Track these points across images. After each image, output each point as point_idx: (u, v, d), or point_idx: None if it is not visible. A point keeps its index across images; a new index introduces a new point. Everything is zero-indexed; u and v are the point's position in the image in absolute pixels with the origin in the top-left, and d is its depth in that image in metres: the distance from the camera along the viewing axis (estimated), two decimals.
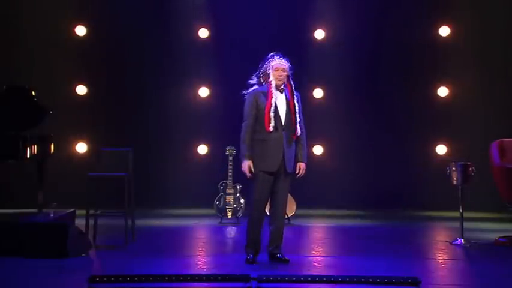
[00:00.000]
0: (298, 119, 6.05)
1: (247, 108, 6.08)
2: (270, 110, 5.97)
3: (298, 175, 6.17)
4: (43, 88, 9.20)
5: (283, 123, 6.01)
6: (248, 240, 6.13)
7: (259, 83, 6.19)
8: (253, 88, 6.18)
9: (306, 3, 10.71)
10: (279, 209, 6.14)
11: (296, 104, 6.07)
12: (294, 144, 6.09)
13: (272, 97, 5.99)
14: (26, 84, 8.17)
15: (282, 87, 6.08)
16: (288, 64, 6.13)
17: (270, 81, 6.06)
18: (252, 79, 6.23)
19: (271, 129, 5.95)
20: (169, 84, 10.64)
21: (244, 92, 6.22)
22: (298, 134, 6.05)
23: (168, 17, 10.68)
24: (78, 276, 5.55)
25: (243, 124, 6.08)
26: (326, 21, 10.76)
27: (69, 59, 10.53)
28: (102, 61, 10.58)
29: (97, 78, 10.65)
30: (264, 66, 6.16)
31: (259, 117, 6.01)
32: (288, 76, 6.10)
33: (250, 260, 6.03)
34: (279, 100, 6.04)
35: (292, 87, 6.11)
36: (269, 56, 6.19)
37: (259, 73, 6.20)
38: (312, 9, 10.70)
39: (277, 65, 6.07)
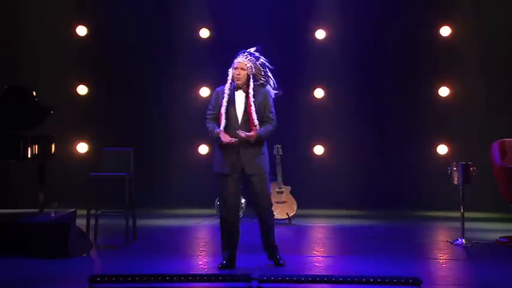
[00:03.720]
0: (256, 121, 5.83)
1: (209, 106, 6.05)
2: (225, 111, 5.87)
3: (242, 134, 5.80)
4: (44, 88, 9.23)
5: (239, 123, 5.87)
6: (221, 244, 6.07)
7: None
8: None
9: (307, 3, 10.70)
10: (260, 213, 5.98)
11: (253, 106, 5.85)
12: (255, 146, 5.87)
13: (224, 97, 5.90)
14: (27, 85, 8.18)
15: (244, 86, 5.92)
16: (251, 63, 5.91)
17: (230, 80, 5.94)
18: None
19: (221, 129, 5.84)
20: (170, 84, 10.64)
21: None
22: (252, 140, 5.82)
23: (169, 17, 10.67)
24: (79, 276, 5.55)
25: (205, 121, 6.02)
26: (327, 21, 10.75)
27: (70, 59, 10.54)
28: (103, 61, 10.58)
29: (98, 78, 10.66)
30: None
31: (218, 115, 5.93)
32: (249, 75, 5.91)
33: (225, 265, 5.92)
34: (238, 99, 5.92)
35: (250, 88, 5.89)
36: (237, 52, 6.03)
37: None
38: (313, 9, 10.69)
39: (236, 64, 5.91)
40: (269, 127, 5.93)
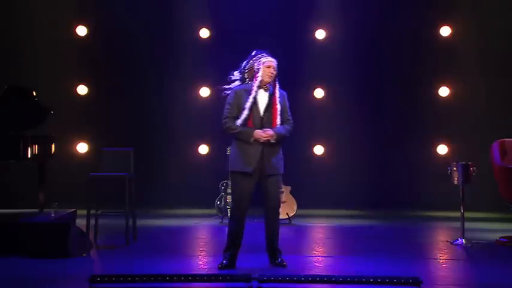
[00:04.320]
0: (278, 120, 5.88)
1: (228, 106, 5.93)
2: (250, 107, 5.82)
3: (264, 131, 5.83)
4: (44, 88, 9.24)
5: (262, 123, 5.86)
6: (227, 243, 5.99)
7: (243, 80, 6.02)
8: (235, 85, 6.04)
9: (307, 3, 10.71)
10: (269, 213, 5.95)
11: (279, 105, 5.89)
12: (276, 146, 5.89)
13: (253, 95, 5.84)
14: (27, 85, 8.18)
15: (268, 85, 5.92)
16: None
17: (257, 77, 5.88)
18: (232, 74, 6.05)
19: (247, 128, 5.80)
20: (171, 84, 10.65)
21: (225, 86, 6.11)
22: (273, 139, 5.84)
23: (169, 17, 10.69)
24: (79, 276, 5.55)
25: (223, 121, 5.92)
26: (327, 21, 10.76)
27: (70, 59, 10.56)
28: (103, 61, 10.59)
29: (98, 78, 10.67)
30: (251, 62, 5.97)
31: (240, 115, 5.85)
32: (276, 76, 5.94)
33: (225, 265, 5.88)
34: (261, 99, 5.89)
35: (277, 88, 5.94)
36: (257, 52, 6.01)
37: (243, 69, 6.02)
38: (313, 9, 10.70)
39: (270, 63, 5.90)
40: (287, 127, 5.99)
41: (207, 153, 10.77)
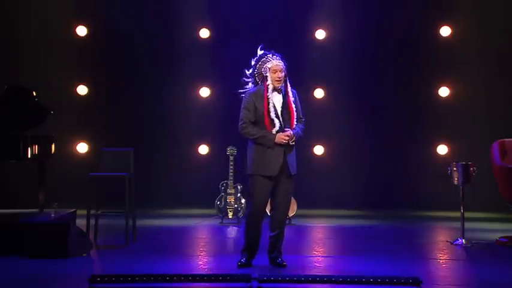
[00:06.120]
0: (295, 121, 5.89)
1: (245, 110, 5.88)
2: (269, 113, 5.80)
3: (285, 133, 5.81)
4: (44, 88, 9.24)
5: (282, 125, 5.84)
6: (245, 244, 6.02)
7: (255, 83, 6.00)
8: (249, 87, 6.01)
9: (307, 3, 10.71)
10: (280, 214, 5.96)
11: (293, 105, 5.90)
12: (294, 146, 5.93)
13: (268, 100, 5.81)
14: (27, 85, 8.17)
15: (280, 87, 5.89)
16: (283, 63, 5.93)
17: (267, 84, 5.85)
18: (246, 77, 6.02)
19: (274, 132, 5.80)
20: (170, 84, 10.64)
21: (240, 90, 6.07)
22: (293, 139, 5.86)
23: (169, 17, 10.68)
24: (79, 276, 5.55)
25: (241, 126, 5.87)
26: (327, 21, 10.75)
27: (70, 59, 10.54)
28: (103, 61, 10.58)
29: (98, 78, 10.66)
30: (258, 66, 5.94)
31: (257, 119, 5.85)
32: (286, 76, 5.92)
33: (244, 263, 5.93)
34: (276, 101, 5.86)
35: (288, 88, 5.93)
36: (262, 54, 5.98)
37: (253, 72, 5.99)
38: (313, 9, 10.69)
39: (275, 67, 5.87)
40: (303, 126, 6.01)
41: (207, 153, 10.76)
